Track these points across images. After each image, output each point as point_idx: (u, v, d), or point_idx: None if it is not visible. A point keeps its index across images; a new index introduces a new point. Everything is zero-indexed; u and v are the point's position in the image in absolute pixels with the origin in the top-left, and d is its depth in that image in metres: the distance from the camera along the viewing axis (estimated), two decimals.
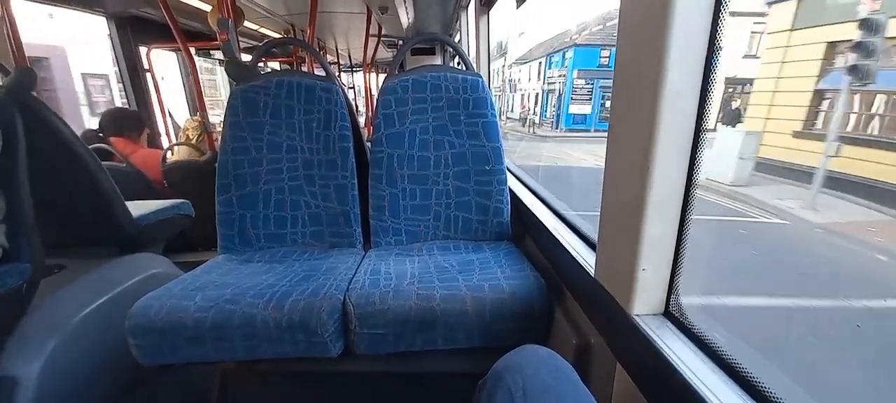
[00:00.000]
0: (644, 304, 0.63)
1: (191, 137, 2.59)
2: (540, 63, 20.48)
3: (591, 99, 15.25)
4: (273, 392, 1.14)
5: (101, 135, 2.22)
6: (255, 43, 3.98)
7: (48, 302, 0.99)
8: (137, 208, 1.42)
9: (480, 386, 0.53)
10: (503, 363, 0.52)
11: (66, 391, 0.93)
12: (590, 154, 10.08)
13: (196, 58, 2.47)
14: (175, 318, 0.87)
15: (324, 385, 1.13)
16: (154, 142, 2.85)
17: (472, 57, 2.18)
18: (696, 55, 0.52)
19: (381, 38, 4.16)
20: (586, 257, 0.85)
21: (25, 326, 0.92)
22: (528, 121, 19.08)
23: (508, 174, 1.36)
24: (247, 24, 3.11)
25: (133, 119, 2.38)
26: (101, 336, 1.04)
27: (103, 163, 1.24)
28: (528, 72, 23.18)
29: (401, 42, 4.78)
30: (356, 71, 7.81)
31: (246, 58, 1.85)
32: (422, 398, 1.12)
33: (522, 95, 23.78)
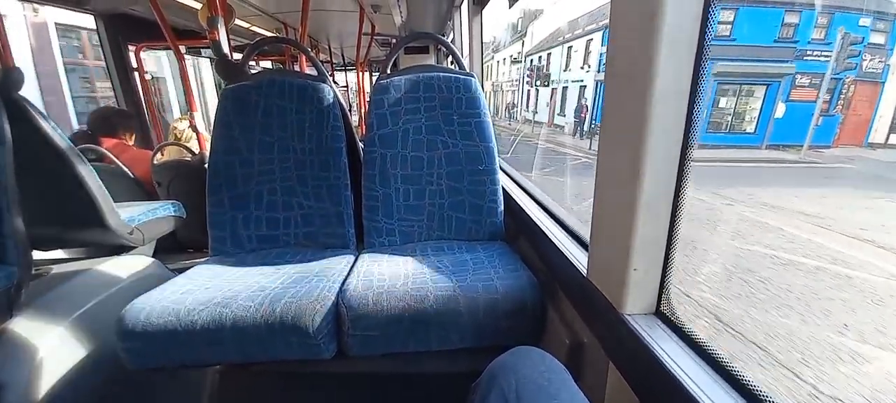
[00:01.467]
0: (636, 304, 0.63)
1: (179, 137, 2.56)
2: (589, 41, 14.55)
3: None
4: (265, 395, 1.13)
5: (90, 134, 2.19)
6: (245, 41, 3.95)
7: (36, 305, 0.98)
8: (127, 209, 1.40)
9: (474, 388, 0.53)
10: (496, 364, 0.52)
11: (54, 395, 0.92)
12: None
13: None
14: (166, 321, 0.86)
15: (317, 386, 1.13)
16: (145, 141, 2.81)
17: (465, 57, 2.18)
18: (687, 55, 0.52)
19: (375, 37, 4.14)
20: (579, 257, 0.85)
21: (13, 330, 0.91)
22: (577, 127, 13.07)
23: (501, 174, 1.36)
24: (237, 22, 3.08)
25: (122, 119, 2.35)
26: (90, 339, 1.02)
27: (92, 163, 1.23)
28: (565, 58, 16.51)
29: (394, 41, 4.77)
30: (350, 70, 7.77)
31: (237, 57, 1.83)
32: (415, 399, 1.12)
33: (554, 89, 17.48)
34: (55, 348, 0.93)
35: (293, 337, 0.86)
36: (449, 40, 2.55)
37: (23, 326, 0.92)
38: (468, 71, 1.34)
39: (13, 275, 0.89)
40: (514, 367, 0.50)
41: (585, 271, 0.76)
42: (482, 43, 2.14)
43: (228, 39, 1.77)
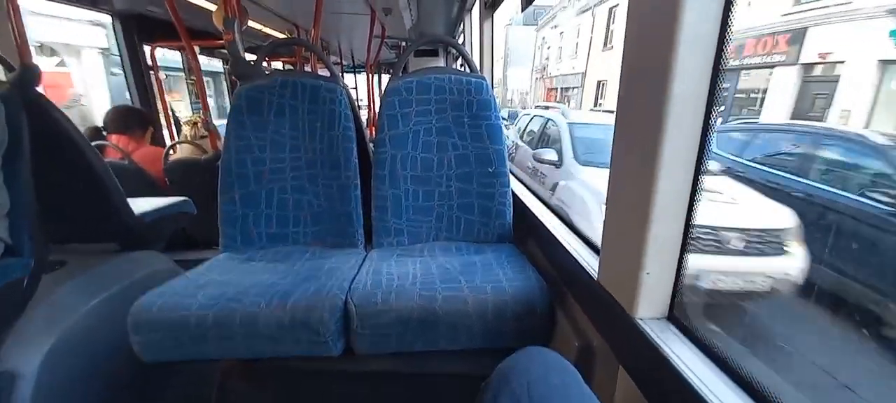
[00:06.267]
0: (647, 308, 0.62)
1: (192, 135, 2.59)
2: None
3: None
4: (274, 391, 1.14)
5: (105, 131, 2.22)
6: (258, 42, 4.00)
7: (49, 297, 0.99)
8: (139, 205, 1.41)
9: (484, 387, 0.53)
10: (508, 364, 0.52)
11: (65, 386, 0.93)
12: None
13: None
14: (178, 316, 0.87)
15: (325, 384, 1.13)
16: (158, 139, 2.85)
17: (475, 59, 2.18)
18: (704, 58, 0.52)
19: (384, 40, 4.17)
20: (589, 260, 0.85)
21: (26, 321, 0.92)
22: None
23: (510, 177, 1.36)
24: (251, 23, 3.12)
25: (137, 117, 2.38)
26: (101, 332, 1.03)
27: (106, 159, 1.25)
28: None
29: (404, 43, 4.81)
30: (359, 72, 7.82)
31: (250, 57, 1.86)
32: (423, 398, 1.11)
33: None
34: (67, 340, 0.94)
35: (302, 334, 0.87)
36: (459, 43, 2.56)
37: (37, 317, 0.94)
38: (479, 73, 1.34)
39: (28, 267, 0.91)
40: (526, 367, 0.49)
41: (596, 274, 0.75)
42: (493, 46, 2.14)
43: (242, 40, 1.80)
